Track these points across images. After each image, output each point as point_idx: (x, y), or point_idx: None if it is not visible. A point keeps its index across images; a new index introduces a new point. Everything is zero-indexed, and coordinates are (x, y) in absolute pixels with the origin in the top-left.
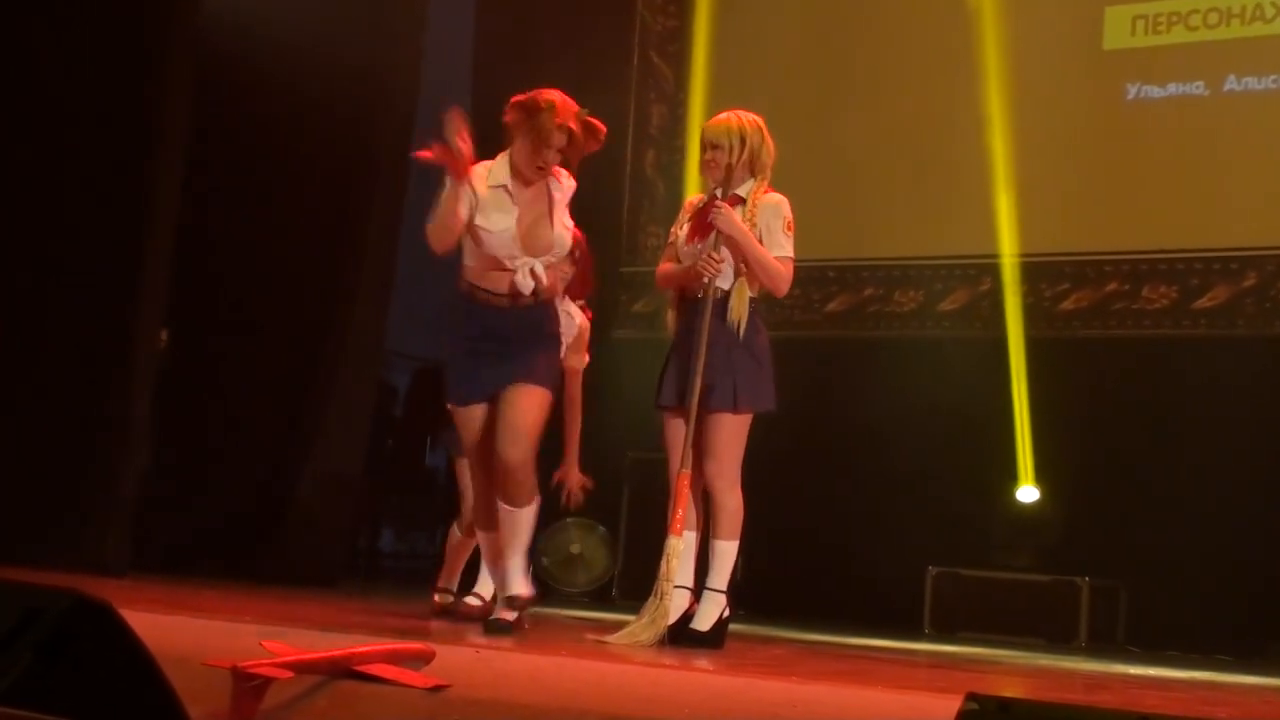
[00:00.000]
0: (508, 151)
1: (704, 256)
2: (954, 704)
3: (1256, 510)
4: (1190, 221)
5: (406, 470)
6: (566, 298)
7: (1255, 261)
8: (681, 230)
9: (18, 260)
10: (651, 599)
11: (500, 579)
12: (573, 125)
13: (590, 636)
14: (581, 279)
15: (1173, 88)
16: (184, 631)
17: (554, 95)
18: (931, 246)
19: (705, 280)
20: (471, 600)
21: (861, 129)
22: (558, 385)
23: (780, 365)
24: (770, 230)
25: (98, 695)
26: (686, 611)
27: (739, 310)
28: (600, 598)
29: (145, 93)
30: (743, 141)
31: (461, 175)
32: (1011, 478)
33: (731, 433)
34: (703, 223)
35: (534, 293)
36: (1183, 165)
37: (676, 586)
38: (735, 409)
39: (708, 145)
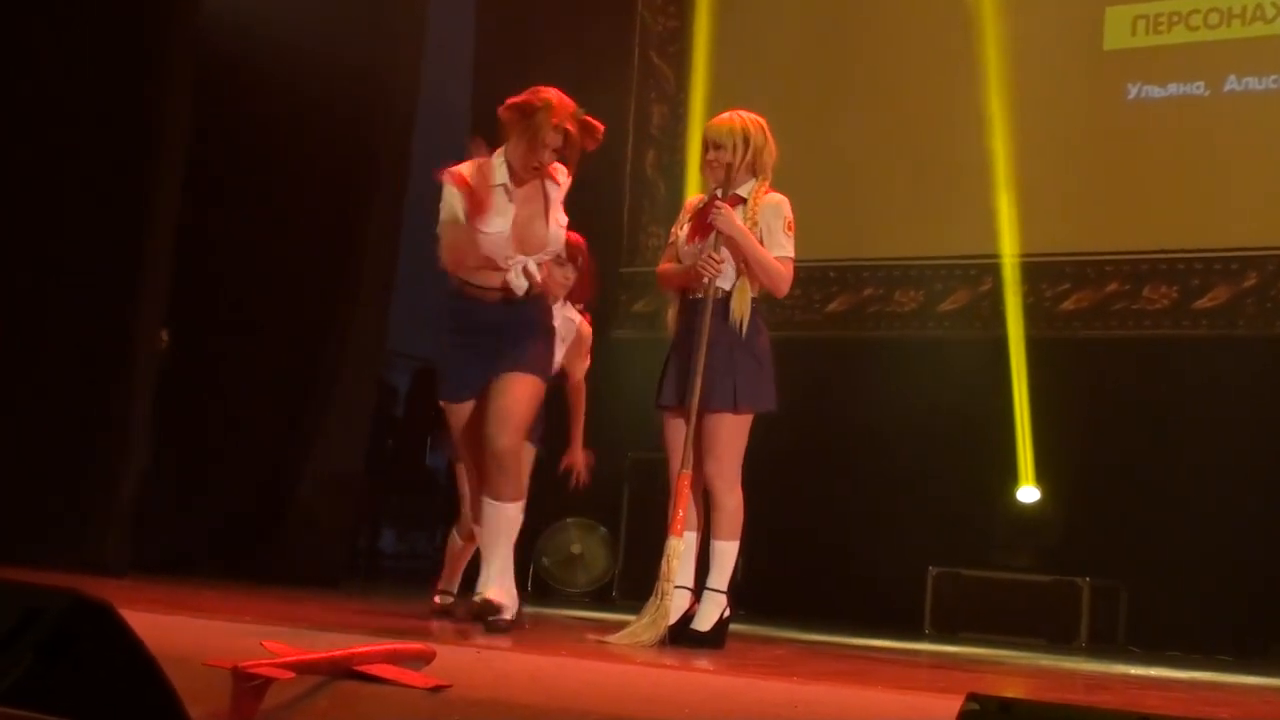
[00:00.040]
0: (503, 149)
1: (704, 257)
2: (955, 704)
3: (1257, 510)
4: (1191, 222)
5: (407, 470)
6: (568, 303)
7: (1256, 262)
8: (682, 230)
9: (18, 260)
10: (652, 599)
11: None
12: (569, 126)
13: (591, 637)
14: (583, 285)
15: (1173, 88)
16: (184, 631)
17: (550, 94)
18: (932, 246)
19: (705, 280)
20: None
21: (862, 129)
22: (549, 375)
23: (781, 365)
24: (771, 230)
25: (98, 695)
26: (687, 612)
27: (740, 309)
28: (601, 598)
29: (145, 93)
30: (746, 142)
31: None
32: (1012, 478)
33: (732, 433)
34: (703, 223)
35: (526, 291)
36: (1183, 165)
37: (677, 587)
38: (735, 409)
39: (710, 145)
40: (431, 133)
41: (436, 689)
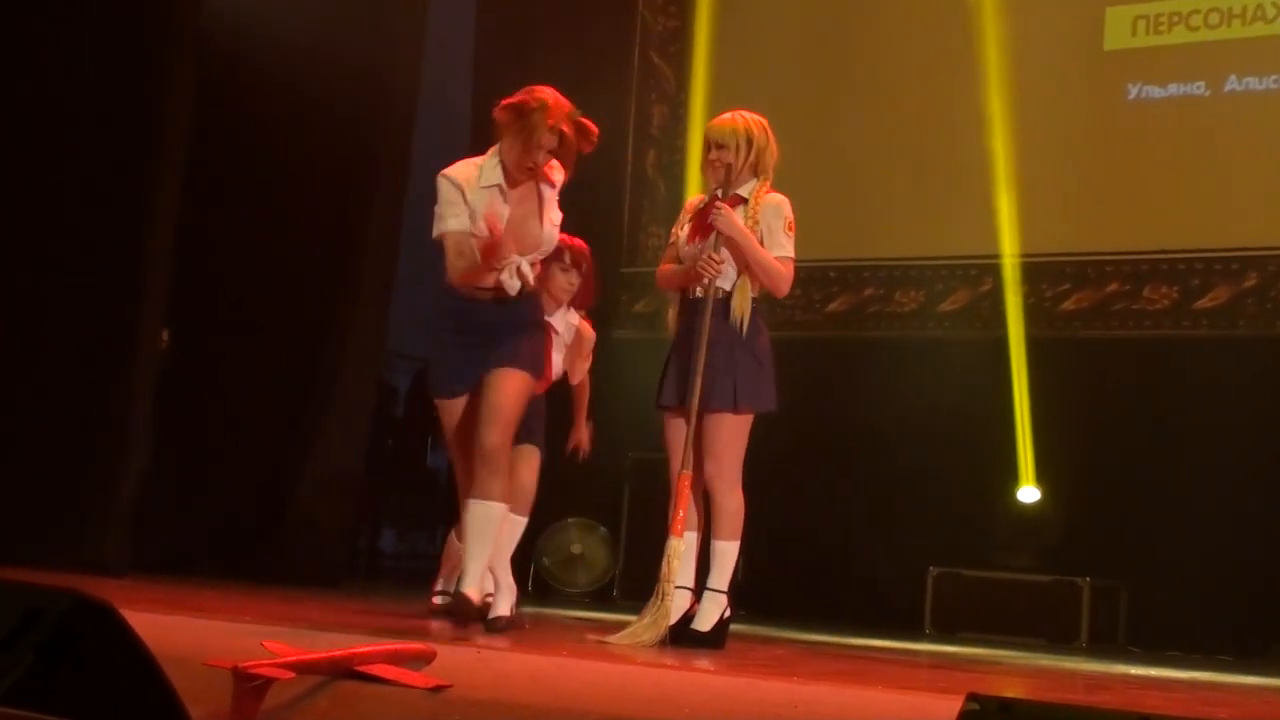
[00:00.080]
0: (497, 149)
1: (704, 257)
2: (955, 704)
3: (1257, 510)
4: (1191, 222)
5: (407, 470)
6: (571, 308)
7: (1256, 262)
8: (682, 231)
9: (18, 260)
10: (653, 599)
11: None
12: (565, 127)
13: (591, 637)
14: (586, 291)
15: (1174, 88)
16: (185, 632)
17: (546, 94)
18: (932, 247)
19: (705, 281)
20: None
21: (862, 129)
22: (540, 373)
23: (781, 365)
24: (771, 230)
25: (99, 695)
26: (687, 612)
27: (741, 308)
28: (601, 598)
29: (145, 93)
30: (749, 142)
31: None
32: (1012, 478)
33: (732, 433)
34: (703, 223)
35: (520, 290)
36: (1184, 165)
37: (677, 587)
38: (736, 409)
39: (713, 145)
40: (431, 133)
41: (437, 689)
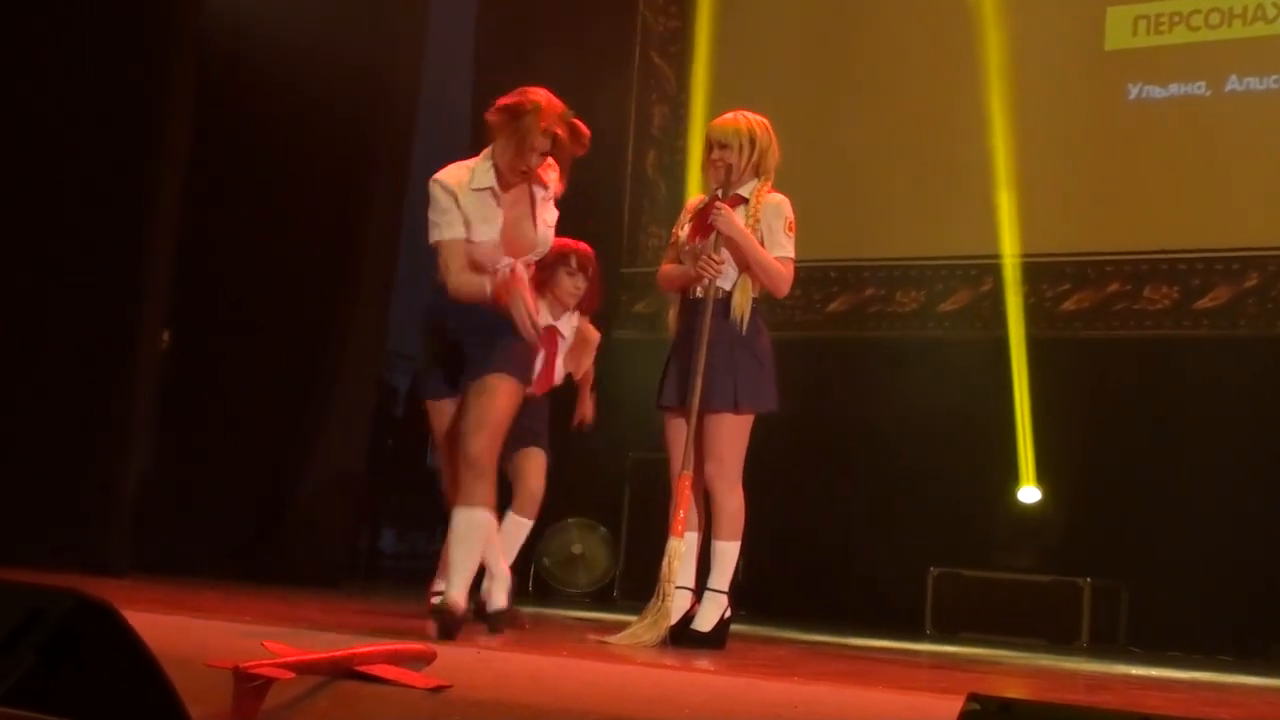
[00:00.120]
0: (490, 150)
1: (704, 258)
2: (956, 704)
3: (1258, 510)
4: (1192, 222)
5: (407, 470)
6: (577, 313)
7: (1257, 262)
8: (682, 231)
9: (18, 260)
10: (653, 600)
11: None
12: (558, 129)
13: (592, 637)
14: (592, 294)
15: (1174, 88)
16: (185, 632)
17: (540, 96)
18: (933, 247)
19: (706, 281)
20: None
21: (863, 129)
22: (529, 379)
23: (781, 365)
24: (771, 230)
25: (100, 696)
26: (688, 612)
27: (742, 306)
28: (601, 598)
29: (145, 93)
30: (752, 143)
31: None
32: (1013, 478)
33: (732, 433)
34: (703, 223)
35: None
36: (1184, 165)
37: (678, 587)
38: (736, 409)
39: (715, 144)
40: (432, 133)
41: (437, 689)
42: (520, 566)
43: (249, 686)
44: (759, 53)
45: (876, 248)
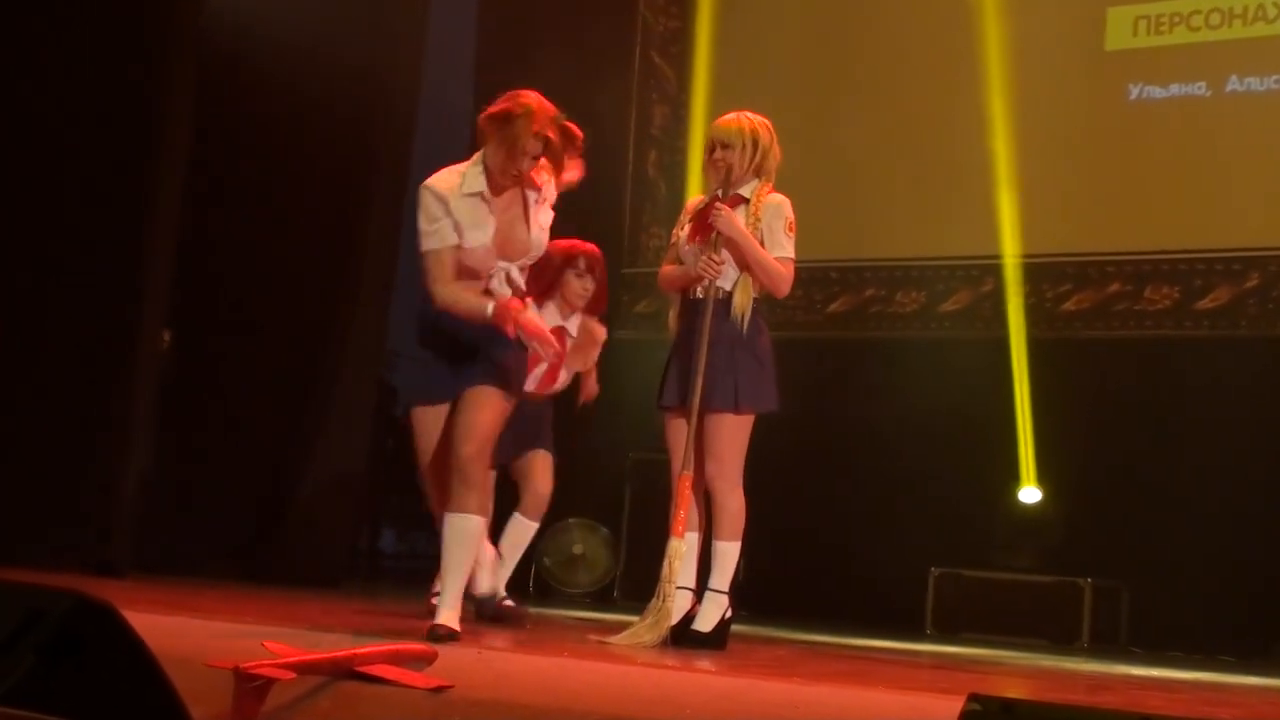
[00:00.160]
0: (481, 155)
1: (704, 259)
2: (956, 705)
3: (1259, 510)
4: (1192, 222)
5: (407, 470)
6: (583, 313)
7: (1257, 262)
8: (682, 232)
9: (18, 260)
10: (654, 600)
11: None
12: (550, 132)
13: (592, 637)
14: (600, 295)
15: (1175, 88)
16: (186, 632)
17: (531, 99)
18: (933, 247)
19: (706, 282)
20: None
21: (863, 129)
22: (521, 386)
23: (782, 366)
24: (772, 231)
25: (100, 696)
26: (688, 613)
27: (742, 305)
28: (602, 598)
29: (145, 93)
30: (755, 144)
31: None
32: (1014, 478)
33: (733, 433)
34: (703, 224)
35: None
36: (1185, 166)
37: (679, 588)
38: (737, 409)
39: (718, 144)
40: (432, 133)
41: (438, 690)
42: (521, 566)
43: (250, 687)
44: (760, 53)
45: (877, 248)
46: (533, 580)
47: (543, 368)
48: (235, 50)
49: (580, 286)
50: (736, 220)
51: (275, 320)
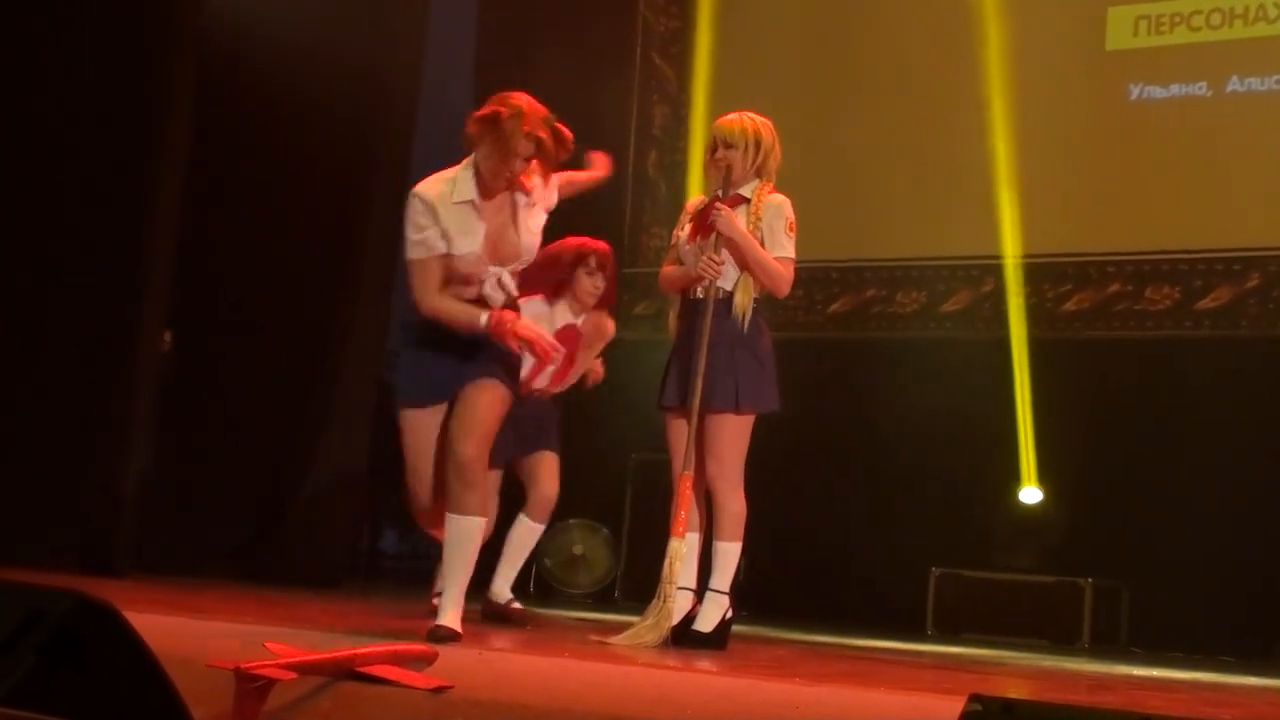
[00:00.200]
0: (471, 161)
1: (704, 259)
2: (957, 705)
3: (1259, 511)
4: (1193, 222)
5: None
6: (596, 309)
7: (1258, 262)
8: (683, 232)
9: (18, 260)
10: (654, 600)
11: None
12: (541, 133)
13: (593, 638)
14: (610, 291)
15: (1175, 88)
16: (187, 632)
17: (521, 101)
18: (934, 247)
19: (706, 282)
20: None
21: (864, 130)
22: (517, 385)
23: (783, 366)
24: (772, 231)
25: (101, 697)
26: (689, 613)
27: (743, 305)
28: (603, 599)
29: (145, 93)
30: (758, 144)
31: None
32: (1014, 479)
33: (734, 433)
34: (703, 223)
35: (502, 304)
36: (1185, 166)
37: (679, 588)
38: (737, 410)
39: (720, 144)
40: (432, 133)
41: (438, 690)
42: (522, 567)
43: (251, 687)
44: (760, 53)
45: (877, 248)
46: (533, 581)
47: (554, 365)
48: (235, 50)
49: (591, 285)
50: (736, 220)
51: (275, 320)
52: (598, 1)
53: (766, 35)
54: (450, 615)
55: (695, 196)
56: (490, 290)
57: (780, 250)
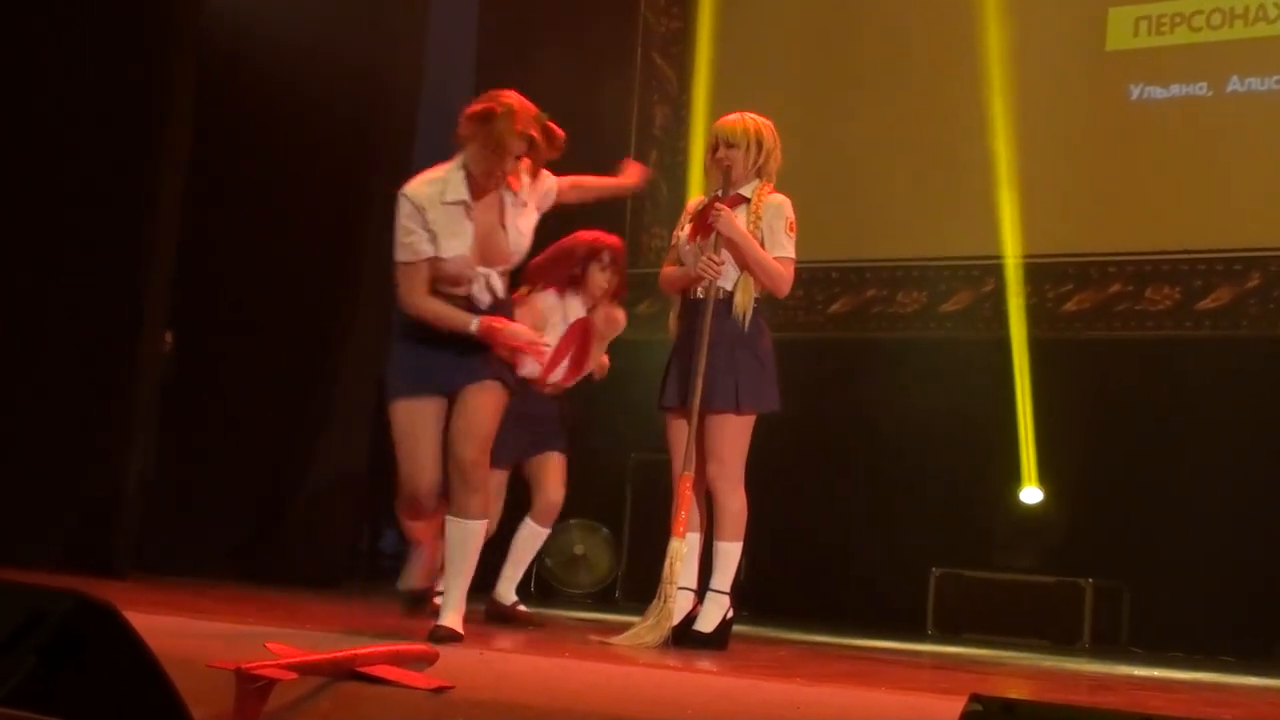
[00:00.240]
0: (460, 160)
1: (704, 259)
2: (958, 705)
3: (1260, 511)
4: (1194, 222)
5: None
6: (608, 302)
7: (1259, 262)
8: (683, 232)
9: (18, 260)
10: (655, 601)
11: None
12: (533, 131)
13: (594, 638)
14: (622, 284)
15: (1176, 89)
16: (187, 633)
17: (511, 99)
18: (934, 247)
19: (706, 282)
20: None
21: (864, 130)
22: (512, 384)
23: (783, 366)
24: (772, 231)
25: (101, 697)
26: (690, 613)
27: (744, 305)
28: (603, 599)
29: (145, 93)
30: (759, 145)
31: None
32: (1015, 479)
33: (734, 433)
34: (703, 224)
35: (489, 305)
36: (1186, 166)
37: (680, 588)
38: (738, 410)
39: (722, 143)
40: (433, 133)
41: (439, 690)
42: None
43: (251, 687)
44: (760, 54)
45: (878, 248)
46: (534, 581)
47: (570, 357)
48: (235, 50)
49: (604, 279)
50: (736, 221)
51: (275, 320)
52: (598, 1)
53: (767, 36)
54: (452, 617)
55: (696, 197)
56: (478, 292)
57: (780, 250)
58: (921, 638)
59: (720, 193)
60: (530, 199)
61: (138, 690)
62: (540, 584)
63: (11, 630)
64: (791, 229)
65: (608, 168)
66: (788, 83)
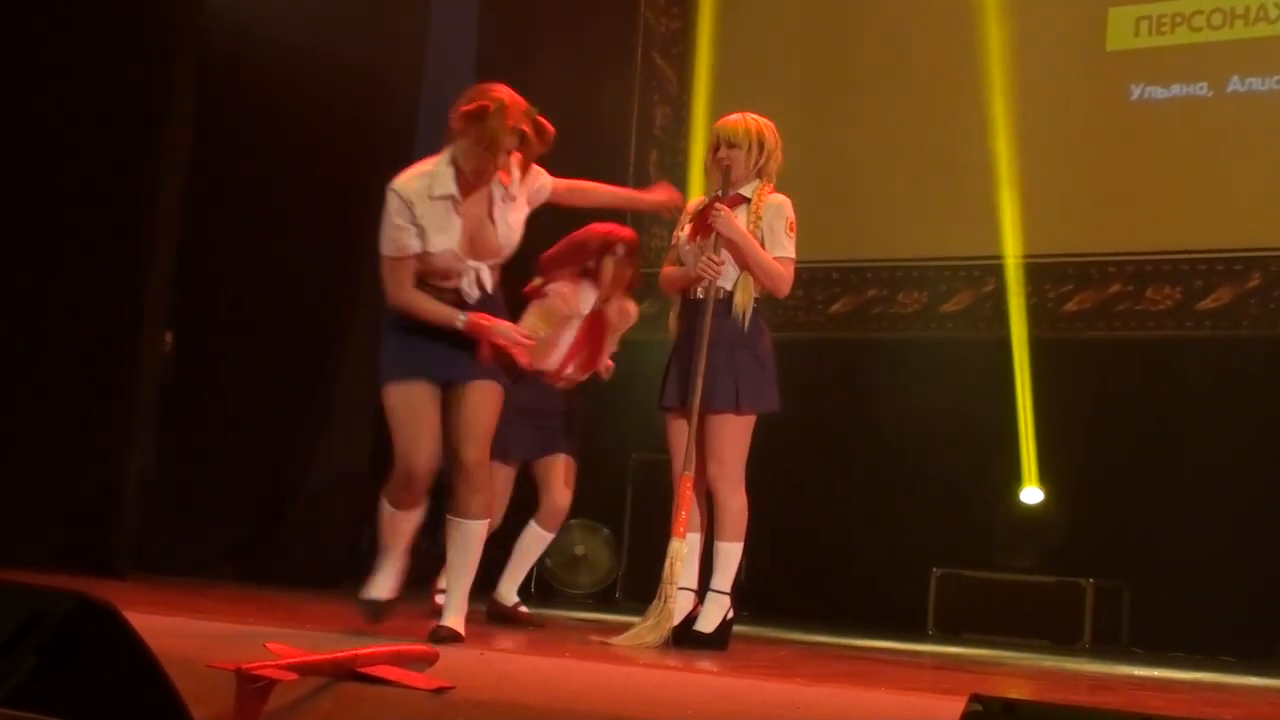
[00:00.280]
0: (449, 155)
1: (704, 259)
2: (958, 705)
3: (1260, 511)
4: (1194, 222)
5: None
6: (620, 294)
7: (1259, 262)
8: (683, 232)
9: (18, 260)
10: (655, 601)
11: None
12: (524, 126)
13: (594, 638)
14: (634, 275)
15: (1176, 89)
16: (187, 633)
17: (503, 93)
18: (935, 247)
19: (706, 282)
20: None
21: (865, 130)
22: (507, 381)
23: (784, 366)
24: (773, 231)
25: (102, 697)
26: (690, 613)
27: (744, 305)
28: (604, 599)
29: (145, 93)
30: (761, 145)
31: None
32: (1015, 479)
33: (735, 434)
34: (703, 224)
35: (478, 299)
36: (1186, 166)
37: (680, 588)
38: (738, 410)
39: (723, 143)
40: (432, 133)
41: (439, 690)
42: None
43: (252, 688)
44: (761, 54)
45: (878, 249)
46: (535, 581)
47: (579, 356)
48: (235, 50)
49: (618, 272)
50: (735, 221)
51: (275, 320)
52: (598, 1)
53: (767, 36)
54: (453, 617)
55: (696, 197)
56: (467, 286)
57: (780, 250)
58: (922, 638)
59: (720, 193)
60: (520, 193)
61: (138, 690)
62: (541, 584)
63: (11, 630)
64: (792, 229)
65: (608, 168)
66: (788, 82)
